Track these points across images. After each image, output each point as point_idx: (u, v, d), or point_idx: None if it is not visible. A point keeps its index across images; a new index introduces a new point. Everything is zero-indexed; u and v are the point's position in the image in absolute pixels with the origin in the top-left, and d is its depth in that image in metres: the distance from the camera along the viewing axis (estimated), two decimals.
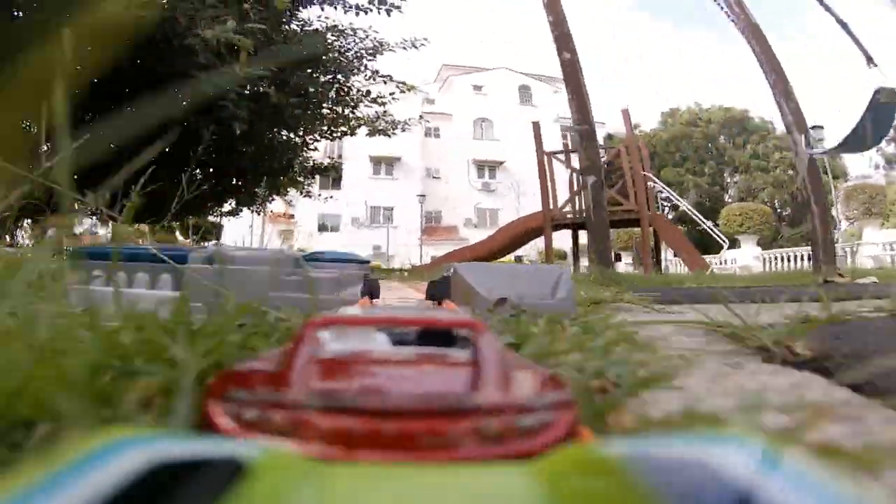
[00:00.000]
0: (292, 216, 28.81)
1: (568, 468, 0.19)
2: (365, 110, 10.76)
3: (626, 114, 15.56)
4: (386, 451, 0.23)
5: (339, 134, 11.22)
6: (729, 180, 32.78)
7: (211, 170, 10.52)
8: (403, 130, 11.67)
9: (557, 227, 14.71)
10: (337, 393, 0.25)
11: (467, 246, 18.02)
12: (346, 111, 10.05)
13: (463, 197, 29.94)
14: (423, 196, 25.31)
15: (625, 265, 21.46)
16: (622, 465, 0.17)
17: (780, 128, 37.77)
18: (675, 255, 15.57)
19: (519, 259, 19.13)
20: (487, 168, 31.22)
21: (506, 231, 16.31)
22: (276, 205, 25.10)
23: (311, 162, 11.39)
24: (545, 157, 15.10)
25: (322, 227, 28.32)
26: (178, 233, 22.21)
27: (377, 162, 29.52)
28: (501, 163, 31.03)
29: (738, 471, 0.15)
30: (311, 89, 7.73)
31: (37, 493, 0.14)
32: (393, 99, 10.85)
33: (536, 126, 15.60)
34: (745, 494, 0.14)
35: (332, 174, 26.01)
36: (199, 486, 0.16)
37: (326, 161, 11.42)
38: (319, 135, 11.00)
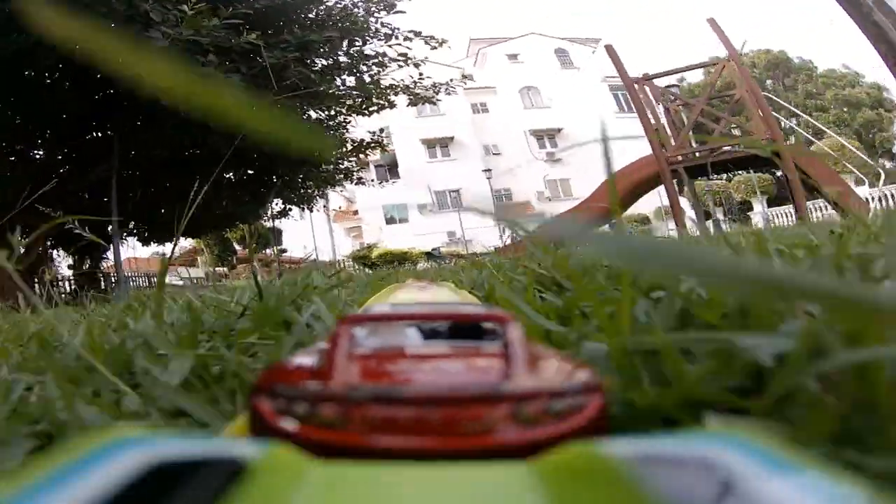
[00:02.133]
0: (356, 212, 28.01)
1: (568, 468, 0.20)
2: (398, 75, 9.74)
3: (714, 23, 12.18)
4: (429, 437, 0.24)
5: (375, 107, 10.19)
6: (785, 124, 31.02)
7: (237, 173, 9.75)
8: (448, 94, 10.47)
9: (675, 175, 11.88)
10: (380, 384, 0.26)
11: (563, 214, 15.31)
12: (372, 75, 8.92)
13: (529, 170, 28.40)
14: (489, 170, 23.84)
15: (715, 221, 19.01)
16: (622, 465, 0.17)
17: (821, 65, 36.72)
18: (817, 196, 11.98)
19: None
20: (546, 137, 29.62)
21: (605, 190, 13.40)
22: (336, 200, 24.50)
23: (350, 142, 10.20)
24: (636, 85, 12.32)
25: (390, 220, 27.42)
26: (235, 244, 21.46)
27: (430, 145, 28.43)
28: (559, 130, 29.39)
29: (740, 471, 0.15)
30: (314, 40, 6.51)
31: (37, 493, 0.14)
32: (427, 61, 9.79)
33: (611, 50, 12.51)
34: (747, 494, 0.14)
35: (382, 159, 25.71)
36: (199, 486, 0.16)
37: (368, 137, 10.20)
38: (349, 110, 9.84)
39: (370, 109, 9.83)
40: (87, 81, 6.53)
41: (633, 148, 26.84)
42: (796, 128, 14.63)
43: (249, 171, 9.63)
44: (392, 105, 10.03)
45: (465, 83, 10.75)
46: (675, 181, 11.35)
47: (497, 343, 0.33)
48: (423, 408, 0.24)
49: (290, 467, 0.20)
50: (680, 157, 11.41)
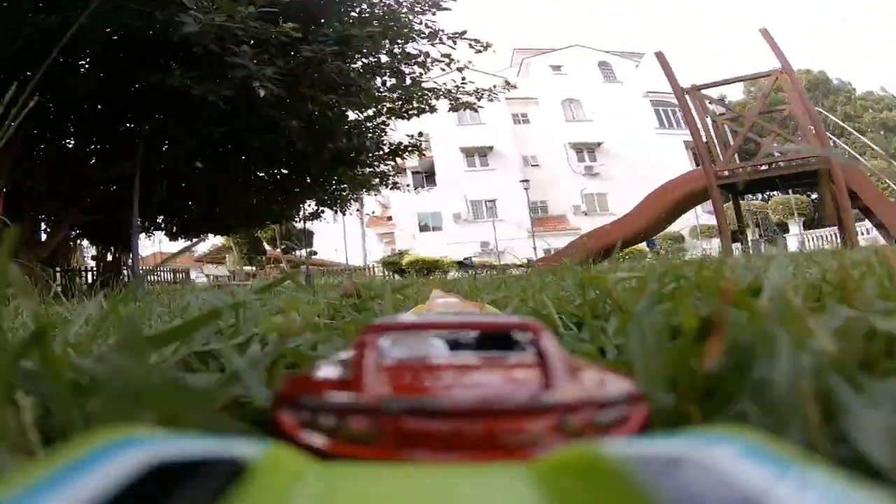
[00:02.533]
0: (390, 218, 27.76)
1: (568, 468, 0.19)
2: (440, 79, 9.40)
3: (766, 33, 11.49)
4: (468, 452, 0.22)
5: (415, 111, 9.85)
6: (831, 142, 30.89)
7: (270, 172, 9.30)
8: (490, 100, 10.15)
9: (726, 190, 11.11)
10: (414, 396, 0.25)
11: (601, 229, 13.95)
12: (413, 77, 8.58)
13: (566, 183, 27.95)
14: (527, 181, 23.42)
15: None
16: (622, 465, 0.17)
17: (859, 88, 36.14)
18: (867, 219, 11.33)
19: (651, 245, 15.30)
20: (586, 151, 29.10)
21: (651, 204, 12.59)
22: (371, 205, 24.32)
23: (388, 145, 9.75)
24: (686, 96, 11.72)
25: (424, 227, 27.09)
26: (265, 244, 21.26)
27: (469, 153, 28.08)
28: (599, 144, 28.89)
29: (740, 471, 0.15)
30: (354, 35, 6.15)
31: (37, 493, 0.14)
32: (470, 66, 9.46)
33: (661, 57, 12.01)
34: (747, 494, 0.14)
35: (419, 165, 25.53)
36: (199, 486, 0.16)
37: (406, 140, 9.82)
38: (389, 112, 9.55)
39: (410, 112, 9.48)
40: (118, 69, 6.32)
41: (675, 164, 26.80)
42: (843, 145, 14.03)
43: (283, 171, 9.31)
44: (433, 109, 9.67)
45: (508, 91, 10.36)
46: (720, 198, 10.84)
47: (529, 353, 0.33)
48: (462, 420, 0.23)
49: (290, 467, 0.19)
50: (727, 173, 10.82)
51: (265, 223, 12.89)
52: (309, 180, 9.22)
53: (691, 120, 11.22)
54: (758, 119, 11.20)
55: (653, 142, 28.24)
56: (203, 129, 6.41)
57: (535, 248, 19.78)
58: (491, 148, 27.98)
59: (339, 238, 23.20)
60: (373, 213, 23.58)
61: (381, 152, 9.59)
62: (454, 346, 0.38)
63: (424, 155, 10.05)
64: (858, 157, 13.97)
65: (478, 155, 28.13)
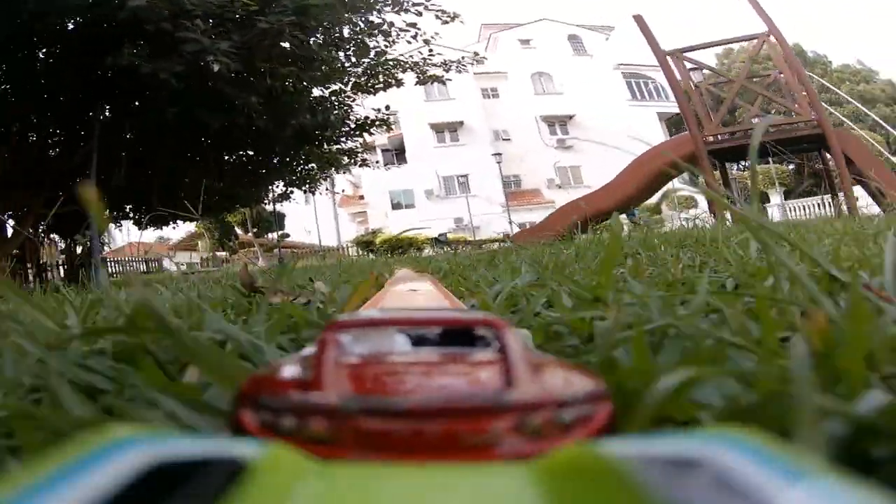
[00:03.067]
0: (362, 197, 27.40)
1: (567, 468, 0.19)
2: (406, 50, 9.11)
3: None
4: (428, 453, 0.22)
5: (380, 85, 9.53)
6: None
7: (233, 153, 8.97)
8: (459, 72, 9.96)
9: (724, 155, 10.77)
10: (374, 396, 0.25)
11: (582, 199, 12.56)
12: (376, 48, 8.21)
13: (539, 157, 27.74)
14: (500, 154, 23.17)
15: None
16: (622, 465, 0.17)
17: (835, 61, 36.33)
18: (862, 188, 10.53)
19: (631, 216, 14.56)
20: (558, 123, 28.95)
21: (636, 171, 11.81)
22: (342, 185, 23.88)
23: (354, 120, 9.41)
24: (668, 59, 11.11)
25: (396, 205, 26.81)
26: (237, 228, 20.86)
27: (439, 129, 27.76)
28: (571, 116, 28.75)
29: (740, 471, 0.15)
30: (313, 4, 5.84)
31: (36, 494, 0.14)
32: (437, 37, 9.18)
33: (640, 20, 11.36)
34: (748, 495, 0.14)
35: (389, 143, 25.20)
36: (199, 486, 0.16)
37: (373, 115, 9.49)
38: (354, 87, 9.18)
39: (376, 87, 9.19)
40: (73, 55, 6.08)
41: (649, 136, 26.62)
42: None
43: (248, 153, 9.00)
44: (399, 83, 9.40)
45: (477, 63, 10.13)
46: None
47: (492, 350, 0.32)
48: (420, 420, 0.23)
49: (290, 467, 0.19)
50: (712, 139, 10.53)
51: (234, 207, 12.55)
52: (275, 161, 8.92)
53: (675, 84, 10.88)
54: (746, 83, 10.92)
55: (626, 114, 28.14)
56: (157, 111, 6.08)
57: (510, 223, 19.57)
58: (461, 123, 27.69)
59: (312, 219, 22.89)
60: (342, 191, 23.18)
61: (348, 128, 9.27)
62: (417, 341, 0.37)
63: (392, 129, 9.75)
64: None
65: (448, 130, 27.83)
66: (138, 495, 0.15)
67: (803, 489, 0.14)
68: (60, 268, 10.15)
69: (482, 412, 0.23)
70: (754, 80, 11.48)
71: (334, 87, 8.79)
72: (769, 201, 21.56)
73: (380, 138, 23.27)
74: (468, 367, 0.30)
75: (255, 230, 19.58)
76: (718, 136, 10.51)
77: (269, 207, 12.94)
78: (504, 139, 27.64)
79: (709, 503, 0.14)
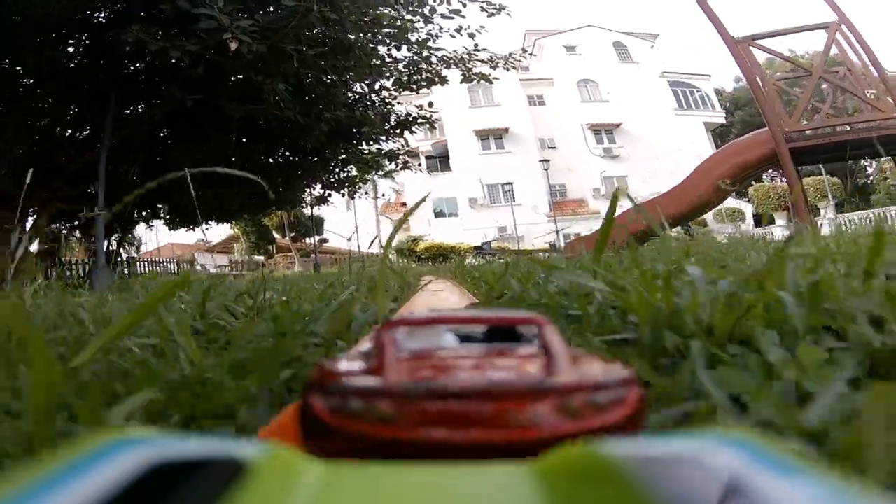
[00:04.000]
0: (404, 204, 26.78)
1: (568, 468, 0.20)
2: (450, 45, 8.53)
3: None
4: (481, 430, 0.25)
5: (423, 81, 8.87)
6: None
7: (255, 148, 8.05)
8: (507, 69, 9.14)
9: (801, 155, 9.35)
10: (432, 381, 0.27)
11: (647, 203, 10.47)
12: (419, 40, 7.50)
13: (585, 165, 26.84)
14: (547, 160, 22.39)
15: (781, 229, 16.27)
16: (621, 465, 0.17)
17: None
18: None
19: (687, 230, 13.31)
20: (604, 132, 27.94)
21: (707, 172, 10.45)
22: (384, 190, 23.33)
23: (394, 117, 8.72)
24: (740, 48, 10.01)
25: (439, 214, 26.11)
26: (274, 232, 20.37)
27: (484, 136, 27.08)
28: (618, 125, 27.75)
29: (738, 471, 0.15)
30: None
31: (37, 494, 0.14)
32: (482, 30, 8.50)
33: (703, 2, 10.33)
34: (745, 495, 0.14)
35: (433, 149, 24.54)
36: (199, 486, 0.16)
37: (415, 111, 8.81)
38: (396, 84, 8.50)
39: (419, 83, 8.51)
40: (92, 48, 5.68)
41: (695, 146, 25.73)
42: None
43: (282, 151, 8.40)
44: (443, 80, 8.72)
45: (524, 59, 9.39)
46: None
47: (534, 345, 0.36)
48: (474, 402, 0.25)
49: (289, 467, 0.20)
50: (796, 135, 9.34)
51: (269, 209, 11.99)
52: (310, 158, 8.27)
53: (747, 72, 9.85)
54: (826, 76, 9.88)
55: (672, 123, 27.24)
56: (174, 98, 5.47)
57: (557, 232, 18.67)
58: (507, 130, 26.98)
59: (352, 225, 22.32)
60: (382, 195, 22.54)
61: (388, 125, 8.58)
62: (465, 339, 0.41)
63: (435, 127, 9.05)
64: None
65: (493, 137, 27.14)
66: (138, 495, 0.15)
67: (802, 489, 0.14)
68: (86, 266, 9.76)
69: (528, 394, 0.26)
70: (825, 75, 10.42)
71: (375, 85, 8.18)
72: (819, 213, 20.27)
73: (423, 144, 22.73)
74: (514, 358, 0.33)
75: (292, 234, 19.09)
76: (800, 133, 9.35)
77: (308, 212, 12.44)
78: (550, 147, 26.83)
79: (708, 503, 0.14)
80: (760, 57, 10.75)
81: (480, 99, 26.52)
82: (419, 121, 8.77)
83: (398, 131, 8.82)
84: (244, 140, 7.48)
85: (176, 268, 13.15)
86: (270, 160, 8.36)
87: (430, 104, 8.88)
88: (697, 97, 28.99)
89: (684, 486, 0.15)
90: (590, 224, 24.06)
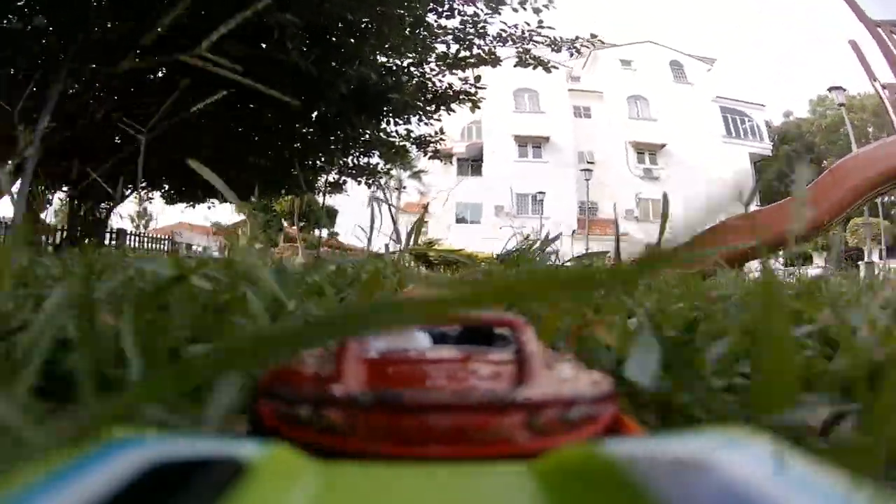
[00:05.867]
0: (427, 206, 25.42)
1: (568, 468, 0.20)
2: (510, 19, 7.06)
3: None
4: (438, 446, 0.23)
5: (472, 59, 7.47)
6: None
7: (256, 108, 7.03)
8: (572, 54, 7.72)
9: None
10: (388, 390, 0.25)
11: (756, 214, 8.48)
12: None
13: (622, 185, 25.40)
14: (589, 169, 21.08)
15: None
16: (622, 465, 0.17)
17: None
18: None
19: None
20: (647, 152, 26.57)
21: (831, 187, 7.50)
22: (407, 184, 22.06)
23: (432, 89, 7.17)
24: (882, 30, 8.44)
25: (460, 219, 24.90)
26: (283, 221, 18.80)
27: (523, 143, 25.70)
28: (662, 146, 26.33)
29: (740, 471, 0.15)
30: None
31: (36, 494, 0.14)
32: (551, 5, 7.07)
33: None
34: (747, 495, 0.14)
35: (466, 151, 23.39)
36: (199, 486, 0.16)
37: (458, 84, 7.30)
38: (441, 61, 6.97)
39: (467, 61, 7.02)
40: None
41: (737, 177, 24.31)
42: None
43: (303, 130, 7.05)
44: (496, 60, 7.24)
45: (595, 45, 7.92)
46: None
47: (509, 349, 0.33)
48: (432, 415, 0.24)
49: (290, 467, 0.20)
50: None
51: (278, 192, 10.53)
52: (329, 124, 6.78)
53: (892, 57, 8.10)
54: None
55: (717, 150, 25.86)
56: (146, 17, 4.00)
57: (587, 250, 17.16)
58: (547, 139, 25.61)
59: (371, 222, 20.85)
60: (403, 187, 21.00)
61: (424, 98, 7.07)
62: (438, 339, 0.39)
63: (479, 107, 7.50)
64: None
65: (531, 145, 25.77)
66: (138, 495, 0.15)
67: (804, 489, 0.14)
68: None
69: (492, 408, 0.24)
70: None
71: (411, 58, 6.72)
72: (863, 258, 18.40)
73: (458, 146, 21.57)
74: (484, 365, 0.30)
75: (302, 223, 17.63)
76: None
77: (323, 201, 11.00)
78: (588, 161, 25.11)
79: (708, 503, 0.14)
80: None
81: (526, 104, 25.40)
82: (461, 97, 7.23)
83: (435, 107, 7.28)
84: (251, 105, 6.04)
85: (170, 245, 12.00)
86: (274, 123, 6.87)
87: (478, 78, 7.33)
88: (748, 126, 27.70)
89: (685, 487, 0.15)
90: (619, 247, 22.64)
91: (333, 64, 5.15)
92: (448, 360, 0.31)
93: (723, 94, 27.72)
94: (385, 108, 6.60)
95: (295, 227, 18.58)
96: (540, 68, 7.55)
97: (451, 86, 7.17)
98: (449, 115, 7.59)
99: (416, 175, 9.42)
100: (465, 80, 7.28)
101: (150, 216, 23.31)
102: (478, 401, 0.24)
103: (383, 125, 7.44)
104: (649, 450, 0.18)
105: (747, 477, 0.15)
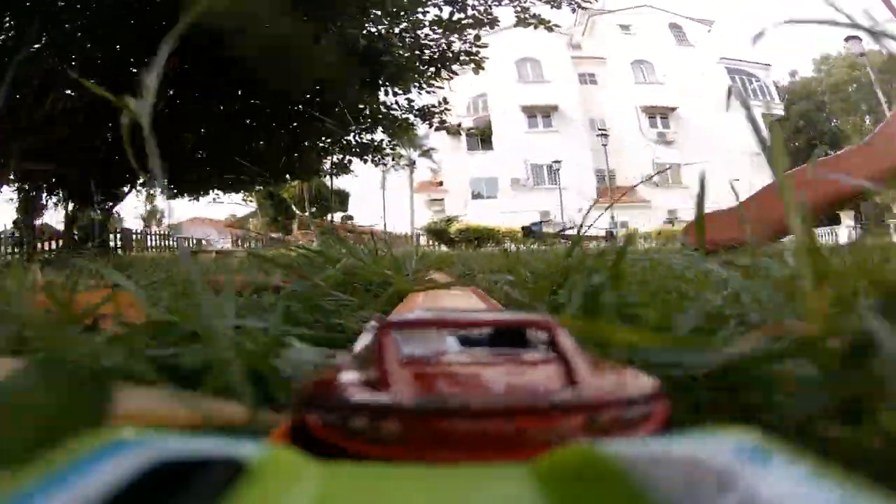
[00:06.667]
0: (441, 183, 25.14)
1: (568, 468, 0.20)
2: None
3: None
4: (500, 451, 0.23)
5: (467, 19, 7.08)
6: None
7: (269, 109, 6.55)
8: (574, 9, 7.66)
9: None
10: (448, 396, 0.25)
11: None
12: None
13: (637, 151, 25.00)
14: (606, 134, 20.65)
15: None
16: (622, 465, 0.17)
17: None
18: None
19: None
20: (659, 116, 26.13)
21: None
22: (421, 173, 21.86)
23: (429, 54, 6.79)
24: None
25: (476, 195, 24.59)
26: (293, 206, 18.58)
27: (531, 113, 25.27)
28: (673, 109, 25.89)
29: (740, 471, 0.15)
30: None
31: (36, 493, 0.14)
32: None
33: None
34: (746, 495, 0.14)
35: (475, 122, 23.09)
36: (199, 486, 0.16)
37: (458, 45, 6.93)
38: (434, 24, 6.82)
39: (462, 23, 6.67)
40: None
41: (750, 138, 23.81)
42: None
43: (297, 108, 6.72)
44: (493, 21, 6.89)
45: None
46: None
47: (546, 351, 0.32)
48: (494, 420, 0.23)
49: (290, 467, 0.19)
50: None
51: (283, 178, 10.26)
52: (315, 100, 6.46)
53: None
54: None
55: (729, 112, 25.35)
56: None
57: (613, 218, 16.74)
58: (555, 108, 25.15)
59: (381, 202, 20.66)
60: (413, 163, 20.62)
61: (421, 60, 6.71)
62: (465, 342, 0.37)
63: (483, 68, 7.15)
64: None
65: (540, 115, 25.29)
66: (138, 495, 0.15)
67: (806, 490, 0.14)
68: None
69: (552, 411, 0.23)
70: None
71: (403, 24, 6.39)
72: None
73: (465, 121, 21.32)
74: (529, 368, 0.30)
75: (314, 209, 17.38)
76: None
77: (333, 184, 10.72)
78: (600, 129, 24.71)
79: (708, 503, 0.14)
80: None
81: (529, 74, 24.98)
82: (461, 57, 6.88)
83: (434, 71, 6.95)
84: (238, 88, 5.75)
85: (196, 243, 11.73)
86: (270, 108, 6.58)
87: (478, 37, 6.97)
88: (756, 87, 27.22)
89: (685, 486, 0.15)
90: (637, 213, 22.35)
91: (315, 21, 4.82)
92: (487, 363, 0.30)
93: (727, 55, 27.17)
94: (380, 76, 6.26)
95: (305, 214, 18.39)
96: (541, 30, 7.23)
97: (450, 46, 6.81)
98: (450, 79, 7.26)
99: (427, 153, 9.17)
100: (464, 41, 6.93)
101: (161, 214, 22.97)
102: (538, 404, 0.23)
103: (382, 97, 7.13)
104: (651, 450, 0.18)
105: (747, 477, 0.14)
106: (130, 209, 22.18)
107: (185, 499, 0.15)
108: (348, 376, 0.27)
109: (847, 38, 17.85)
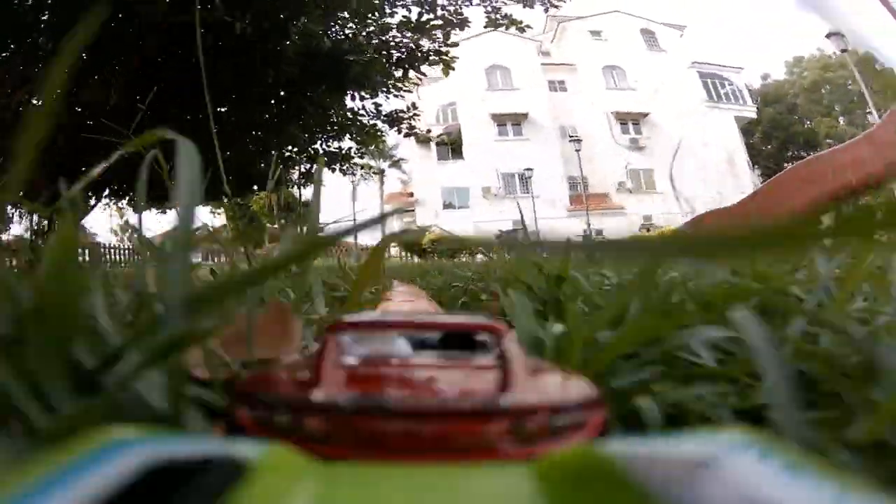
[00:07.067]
0: (411, 194, 24.88)
1: (567, 468, 0.20)
2: None
3: None
4: (422, 454, 0.23)
5: (438, 20, 6.83)
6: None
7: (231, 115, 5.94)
8: (547, 9, 7.39)
9: None
10: (370, 396, 0.25)
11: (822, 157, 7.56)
12: None
13: (609, 158, 24.95)
14: (579, 139, 20.55)
15: None
16: (622, 465, 0.17)
17: None
18: None
19: None
20: (630, 122, 26.09)
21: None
22: (391, 184, 21.64)
23: (396, 55, 6.47)
24: None
25: (448, 205, 24.33)
26: (262, 217, 18.20)
27: (501, 122, 25.16)
28: (645, 115, 25.87)
29: (740, 471, 0.15)
30: None
31: (36, 493, 0.14)
32: None
33: None
34: (746, 495, 0.14)
35: (445, 129, 22.99)
36: (199, 486, 0.16)
37: (427, 44, 6.65)
38: (403, 27, 6.54)
39: (432, 24, 6.41)
40: None
41: (725, 142, 23.96)
42: None
43: (266, 114, 6.46)
44: (464, 22, 6.63)
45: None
46: None
47: (491, 355, 0.33)
48: (415, 422, 0.23)
49: (290, 467, 0.20)
50: None
51: (250, 188, 9.92)
52: (274, 101, 6.18)
53: None
54: None
55: (701, 115, 25.52)
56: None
57: (588, 225, 16.72)
58: (525, 116, 25.05)
59: (354, 215, 20.34)
60: (382, 171, 20.36)
61: (388, 62, 6.42)
62: (417, 344, 0.37)
63: (453, 68, 6.91)
64: None
65: (510, 123, 25.20)
66: (138, 495, 0.15)
67: (805, 490, 0.14)
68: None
69: (477, 415, 0.23)
70: None
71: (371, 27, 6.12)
72: None
73: (435, 129, 21.16)
74: (466, 371, 0.30)
75: (282, 221, 17.04)
76: None
77: (302, 195, 10.45)
78: (571, 136, 24.62)
79: (708, 503, 0.14)
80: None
81: (498, 82, 24.93)
82: (430, 57, 6.61)
83: (402, 72, 6.67)
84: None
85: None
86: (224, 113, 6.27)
87: (447, 35, 6.71)
88: (728, 90, 27.31)
89: (685, 486, 0.15)
90: (611, 220, 22.37)
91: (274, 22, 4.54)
92: (430, 365, 0.31)
93: (698, 60, 27.26)
94: (344, 78, 5.98)
95: (275, 226, 17.97)
96: (511, 37, 7.02)
97: (418, 46, 6.54)
98: (420, 82, 6.99)
99: (397, 164, 9.01)
100: (433, 40, 6.67)
101: (132, 227, 22.50)
102: (461, 407, 0.24)
103: (349, 103, 6.85)
104: (651, 450, 0.17)
105: (748, 477, 0.14)
106: (105, 223, 21.87)
107: (185, 499, 0.15)
108: (284, 375, 0.27)
109: (828, 35, 18.04)
